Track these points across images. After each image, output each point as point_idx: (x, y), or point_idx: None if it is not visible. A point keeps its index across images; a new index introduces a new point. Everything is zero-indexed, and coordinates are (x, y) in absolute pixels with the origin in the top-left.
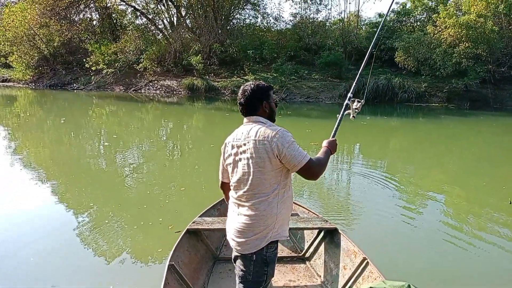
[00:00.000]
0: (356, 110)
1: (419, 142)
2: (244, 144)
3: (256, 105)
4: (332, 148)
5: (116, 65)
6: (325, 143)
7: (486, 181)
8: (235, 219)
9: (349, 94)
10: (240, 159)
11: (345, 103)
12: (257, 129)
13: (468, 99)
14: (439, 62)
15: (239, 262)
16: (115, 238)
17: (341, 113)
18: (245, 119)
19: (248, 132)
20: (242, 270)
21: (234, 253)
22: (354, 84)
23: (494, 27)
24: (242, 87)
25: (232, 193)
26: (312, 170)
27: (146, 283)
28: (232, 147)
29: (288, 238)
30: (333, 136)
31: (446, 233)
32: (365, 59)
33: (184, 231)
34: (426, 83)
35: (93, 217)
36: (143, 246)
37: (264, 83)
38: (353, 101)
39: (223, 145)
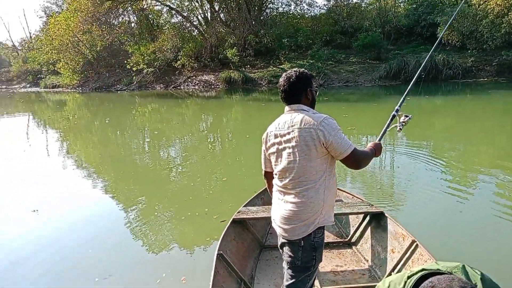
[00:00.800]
0: (403, 124)
1: (466, 119)
2: (289, 133)
3: (300, 92)
4: (377, 149)
5: (156, 64)
6: (370, 144)
7: None
8: (282, 207)
9: (397, 107)
10: (284, 148)
11: (391, 114)
12: (302, 117)
13: None
14: (486, 34)
15: (287, 248)
16: (164, 230)
17: (387, 123)
18: (286, 108)
19: (291, 120)
20: (290, 256)
21: (281, 240)
22: (402, 99)
23: None
24: (285, 74)
25: (276, 182)
26: (356, 160)
27: (197, 272)
28: (275, 136)
29: (334, 223)
30: (379, 140)
31: (499, 211)
32: (412, 81)
33: (230, 221)
34: (472, 57)
35: (142, 211)
36: (191, 236)
37: (306, 71)
38: (401, 115)
39: (264, 135)
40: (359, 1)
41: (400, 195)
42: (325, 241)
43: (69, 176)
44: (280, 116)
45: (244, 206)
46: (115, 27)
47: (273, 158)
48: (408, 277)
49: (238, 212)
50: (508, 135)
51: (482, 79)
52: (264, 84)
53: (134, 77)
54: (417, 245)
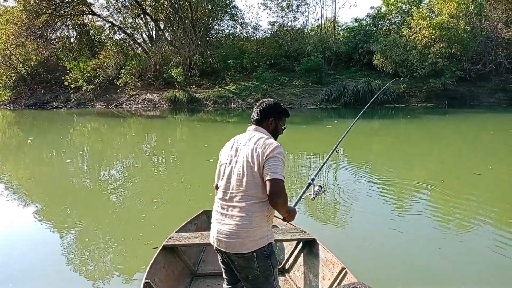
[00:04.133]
0: (316, 193)
1: (402, 143)
2: (242, 148)
3: (264, 118)
4: (290, 212)
5: (96, 81)
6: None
7: (465, 178)
8: (225, 222)
9: (312, 176)
10: (237, 161)
11: (307, 183)
12: (258, 138)
13: (447, 98)
14: (416, 63)
15: (240, 263)
16: (94, 258)
17: (303, 190)
18: (251, 127)
19: (249, 138)
20: (248, 269)
21: (232, 257)
22: (318, 169)
23: (466, 26)
24: (262, 100)
25: (221, 195)
26: (277, 190)
27: None
28: (231, 149)
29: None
30: (294, 205)
31: (428, 237)
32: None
33: (160, 247)
34: (404, 84)
35: (74, 238)
36: (122, 264)
37: (282, 106)
38: (316, 185)
39: (222, 148)
40: (301, 27)
41: (334, 220)
42: None
43: None
44: (244, 132)
45: (176, 231)
46: (52, 42)
47: (223, 169)
48: None
49: (170, 238)
50: (438, 157)
51: (413, 104)
52: (209, 104)
53: (72, 94)
54: (346, 272)
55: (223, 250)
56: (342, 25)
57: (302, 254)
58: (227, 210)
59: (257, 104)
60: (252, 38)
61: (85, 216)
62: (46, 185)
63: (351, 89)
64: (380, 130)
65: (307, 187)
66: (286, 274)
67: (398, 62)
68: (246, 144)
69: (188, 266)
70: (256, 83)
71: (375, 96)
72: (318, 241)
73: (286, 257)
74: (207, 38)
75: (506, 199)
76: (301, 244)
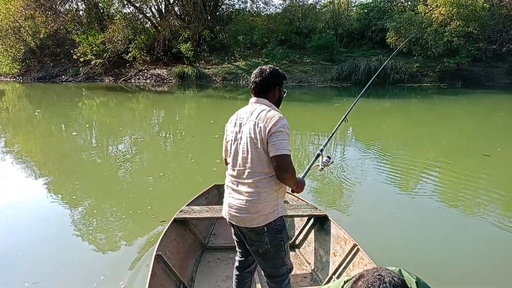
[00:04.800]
0: (325, 164)
1: (412, 123)
2: (245, 124)
3: (269, 88)
4: (300, 183)
5: (105, 55)
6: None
7: (477, 159)
8: (235, 196)
9: (321, 147)
10: (241, 138)
11: (316, 153)
12: (260, 111)
13: (460, 78)
14: (430, 41)
15: (251, 237)
16: (104, 230)
17: (312, 160)
18: (252, 99)
19: (251, 112)
20: (259, 242)
21: (243, 230)
22: (327, 139)
23: (485, 4)
24: (259, 68)
25: (229, 171)
26: (285, 165)
27: (137, 275)
28: (235, 125)
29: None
30: (303, 177)
31: (438, 215)
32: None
33: (171, 220)
34: (418, 63)
35: (83, 210)
36: (132, 236)
37: (280, 70)
38: (324, 155)
39: (227, 123)
40: (313, 3)
41: (346, 197)
42: None
43: (7, 172)
44: (245, 106)
45: (187, 205)
46: (61, 14)
47: (229, 146)
48: (345, 282)
49: (180, 211)
50: (448, 138)
51: (426, 84)
52: (218, 80)
53: (81, 68)
54: (358, 249)
55: (234, 224)
56: (355, 1)
57: (313, 230)
58: (237, 186)
59: (256, 73)
60: (263, 14)
61: (94, 189)
62: (55, 158)
63: (363, 67)
64: (391, 109)
65: (316, 158)
66: (297, 250)
67: (412, 41)
68: (248, 119)
69: (198, 239)
70: (266, 60)
71: (378, 71)
72: (329, 217)
73: (296, 232)
74: (217, 13)
75: None
76: (312, 220)
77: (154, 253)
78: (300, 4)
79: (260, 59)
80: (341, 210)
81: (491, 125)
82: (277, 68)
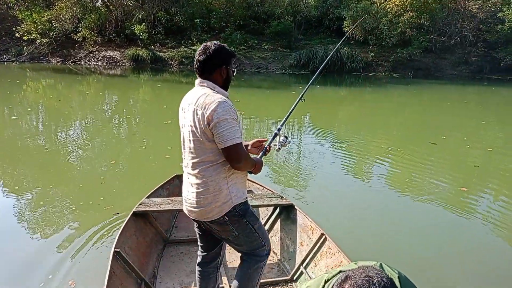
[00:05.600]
0: (282, 144)
1: (366, 111)
2: (188, 110)
3: (214, 67)
4: (257, 163)
5: (51, 34)
6: (253, 157)
7: (425, 147)
8: (189, 190)
9: (279, 126)
10: (184, 125)
11: (274, 132)
12: (200, 96)
13: (412, 68)
14: (385, 31)
15: (215, 228)
16: (51, 223)
17: (269, 140)
18: (197, 81)
19: (193, 96)
20: (225, 232)
21: (206, 224)
22: (284, 118)
23: None
24: (204, 44)
25: (183, 162)
26: (236, 156)
27: (89, 273)
28: (182, 110)
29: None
30: (260, 157)
31: (400, 198)
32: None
33: (130, 214)
34: (373, 53)
35: (28, 201)
36: (82, 230)
37: (227, 46)
38: (281, 135)
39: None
40: None
41: (308, 186)
42: None
43: None
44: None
45: (147, 197)
46: None
47: (181, 134)
48: (326, 281)
49: (140, 204)
50: (400, 125)
51: (380, 73)
52: (174, 64)
53: (25, 48)
54: (325, 238)
55: (194, 218)
56: None
57: (279, 220)
58: (188, 178)
59: (200, 50)
60: None
61: (40, 178)
62: (1, 146)
63: (320, 55)
64: (347, 97)
65: (273, 138)
66: None
67: (368, 30)
68: (189, 104)
69: (160, 233)
70: (224, 45)
71: (327, 59)
72: (296, 207)
73: (262, 222)
74: None
75: (456, 168)
76: (278, 210)
77: (112, 250)
78: None
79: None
80: (305, 200)
81: (438, 114)
82: (224, 45)
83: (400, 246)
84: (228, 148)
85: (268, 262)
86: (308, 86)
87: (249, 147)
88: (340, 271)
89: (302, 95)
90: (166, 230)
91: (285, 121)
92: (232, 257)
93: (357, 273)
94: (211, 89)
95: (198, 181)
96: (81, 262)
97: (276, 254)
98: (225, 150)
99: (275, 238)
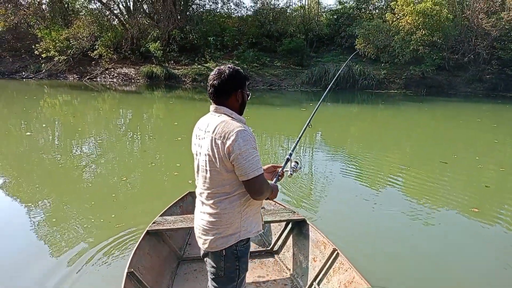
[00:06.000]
0: (294, 170)
1: (378, 128)
2: (204, 138)
3: (229, 92)
4: (274, 190)
5: (69, 52)
6: (271, 183)
7: (436, 166)
8: (199, 217)
9: (290, 151)
10: (200, 153)
11: (286, 158)
12: (217, 123)
13: (425, 86)
14: (397, 49)
15: (209, 259)
16: (64, 240)
17: (283, 166)
18: (211, 107)
19: (209, 124)
20: (213, 267)
21: (203, 251)
22: (295, 144)
23: (448, 15)
24: (217, 68)
25: (197, 189)
26: (258, 188)
27: None
28: (196, 137)
29: (261, 232)
30: (275, 182)
31: (411, 216)
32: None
33: (144, 232)
34: (385, 70)
35: (42, 217)
36: (94, 248)
37: (241, 70)
38: (292, 160)
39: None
40: (284, 7)
41: (321, 201)
42: None
43: None
44: (206, 114)
45: (160, 215)
46: (22, 7)
47: (194, 160)
48: None
49: (154, 223)
50: (412, 144)
51: (392, 91)
52: (188, 81)
53: (43, 65)
54: (338, 253)
55: (200, 245)
56: (325, 7)
57: (291, 235)
58: (202, 206)
59: (214, 75)
60: (234, 16)
61: (53, 193)
62: (12, 159)
63: (332, 72)
64: (359, 114)
65: (286, 163)
66: (276, 256)
67: (380, 48)
68: (206, 133)
69: (174, 251)
70: (237, 62)
71: (337, 74)
72: (308, 222)
73: (275, 238)
74: (187, 13)
75: (467, 188)
76: (290, 225)
77: (126, 271)
78: (271, 7)
79: (231, 61)
80: (317, 215)
81: (450, 133)
82: (238, 68)
83: (409, 265)
84: (251, 180)
85: (281, 278)
86: (314, 112)
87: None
88: None
89: (309, 121)
90: (179, 248)
91: (295, 146)
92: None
93: None
94: (229, 115)
95: (211, 211)
96: (93, 283)
97: (290, 269)
98: (247, 183)
99: (288, 253)
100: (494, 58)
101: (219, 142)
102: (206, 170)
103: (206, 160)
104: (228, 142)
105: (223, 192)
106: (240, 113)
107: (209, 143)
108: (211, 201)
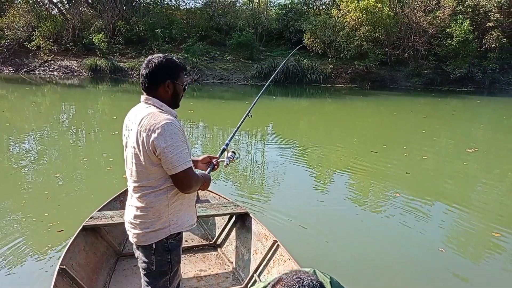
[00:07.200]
0: (230, 160)
1: (326, 121)
2: (131, 130)
3: (158, 82)
4: (206, 180)
5: (3, 43)
6: (201, 173)
7: (368, 155)
8: (128, 210)
9: (227, 141)
10: (127, 145)
11: (222, 148)
12: (144, 115)
13: (369, 80)
14: (343, 44)
15: (140, 253)
16: None
17: (218, 155)
18: (142, 97)
19: (137, 115)
20: (144, 262)
21: (134, 245)
22: (232, 134)
23: (390, 12)
24: (148, 57)
25: (128, 181)
26: (186, 182)
27: None
28: (126, 127)
29: (194, 226)
30: (209, 172)
31: (353, 209)
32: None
33: (80, 228)
34: (332, 65)
35: None
36: (25, 249)
37: (177, 60)
38: (229, 150)
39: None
40: (233, 0)
41: (267, 194)
42: (189, 244)
43: None
44: (137, 104)
45: (98, 210)
46: None
47: (124, 153)
48: None
49: (91, 218)
50: (358, 136)
51: (339, 85)
52: (135, 74)
53: None
54: (278, 245)
55: (131, 239)
56: (274, 2)
57: (234, 228)
58: (130, 199)
59: (144, 65)
60: (182, 8)
61: None
62: None
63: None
64: (307, 108)
65: (221, 153)
66: (219, 249)
67: (327, 43)
68: (133, 124)
69: (112, 247)
70: (186, 55)
71: (278, 69)
72: (251, 215)
73: (218, 231)
74: (133, 3)
75: (391, 176)
76: (233, 218)
77: (57, 268)
78: (220, 0)
79: (179, 54)
80: (262, 207)
81: (386, 124)
82: (171, 57)
83: (352, 253)
84: (179, 174)
85: (223, 271)
86: (255, 102)
87: (198, 164)
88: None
89: (249, 111)
90: (119, 243)
91: (232, 136)
92: (188, 268)
93: (289, 275)
94: (158, 107)
95: (138, 205)
96: (24, 281)
97: (232, 262)
98: (175, 176)
99: (230, 246)
100: (431, 54)
101: (144, 135)
102: (132, 163)
103: (131, 153)
104: (153, 136)
105: (149, 186)
106: (173, 105)
107: (135, 136)
108: (137, 195)
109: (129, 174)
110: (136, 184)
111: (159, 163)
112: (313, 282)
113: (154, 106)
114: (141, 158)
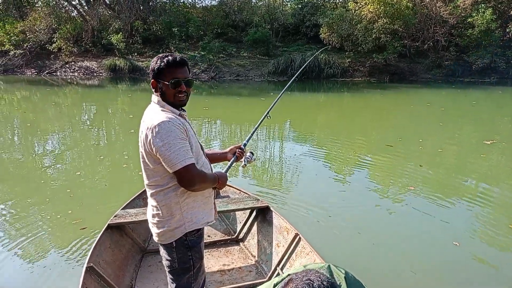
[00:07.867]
0: (248, 160)
1: (345, 115)
2: (141, 129)
3: (152, 82)
4: (221, 179)
5: (25, 45)
6: (217, 172)
7: (402, 148)
8: (148, 209)
9: (244, 141)
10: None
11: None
12: (147, 115)
13: (388, 73)
14: (360, 37)
15: (163, 251)
16: (19, 238)
17: (234, 157)
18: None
19: (144, 115)
20: (167, 259)
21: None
22: (250, 135)
23: (408, 3)
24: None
25: None
26: (187, 179)
27: None
28: (140, 127)
29: (212, 222)
30: (226, 171)
31: (374, 203)
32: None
33: (105, 226)
34: (349, 59)
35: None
36: (51, 247)
37: (165, 58)
38: (247, 151)
39: None
40: None
41: (287, 188)
42: (212, 239)
43: None
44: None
45: (122, 208)
46: None
47: None
48: (275, 285)
49: (115, 216)
50: (378, 130)
51: (357, 79)
52: None
53: None
54: (300, 238)
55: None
56: None
57: (256, 222)
58: (148, 198)
59: None
60: (198, 6)
61: (5, 192)
62: None
63: (298, 62)
64: (325, 103)
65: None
66: (241, 243)
67: (344, 36)
68: (142, 123)
69: (137, 244)
70: (202, 53)
71: (304, 66)
72: (271, 208)
73: (240, 226)
74: (150, 3)
75: (406, 168)
76: (254, 212)
77: (85, 265)
78: None
79: (196, 52)
80: (283, 201)
81: (402, 117)
82: (159, 56)
83: (371, 248)
84: (179, 171)
85: (246, 265)
86: (273, 104)
87: (228, 155)
88: (289, 275)
89: (268, 113)
90: (144, 240)
91: (250, 137)
92: (211, 263)
93: (299, 276)
94: (160, 106)
95: (153, 203)
96: (51, 280)
97: (254, 256)
98: (176, 174)
99: (253, 240)
100: (452, 45)
101: (145, 134)
102: (141, 161)
103: (140, 152)
104: (151, 135)
105: (157, 184)
106: (172, 104)
107: (140, 135)
108: (149, 193)
109: (143, 173)
110: (146, 182)
111: (161, 162)
112: (324, 284)
113: (157, 105)
114: (146, 156)
